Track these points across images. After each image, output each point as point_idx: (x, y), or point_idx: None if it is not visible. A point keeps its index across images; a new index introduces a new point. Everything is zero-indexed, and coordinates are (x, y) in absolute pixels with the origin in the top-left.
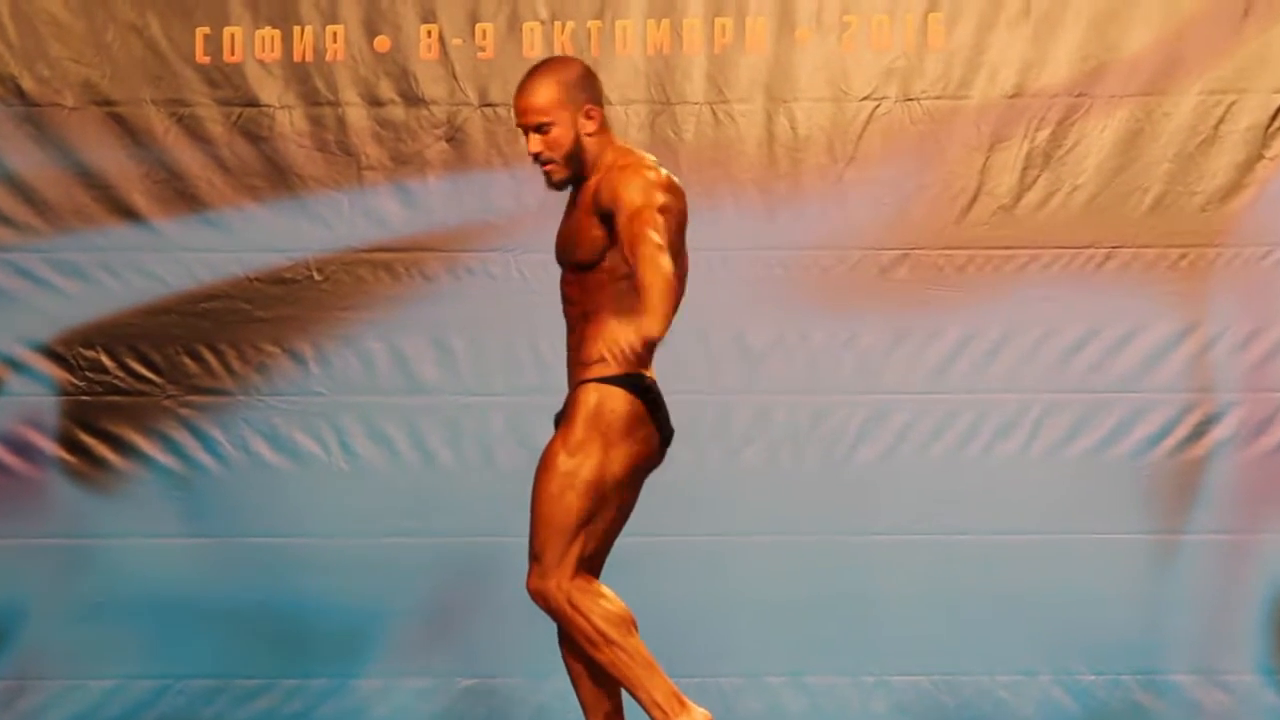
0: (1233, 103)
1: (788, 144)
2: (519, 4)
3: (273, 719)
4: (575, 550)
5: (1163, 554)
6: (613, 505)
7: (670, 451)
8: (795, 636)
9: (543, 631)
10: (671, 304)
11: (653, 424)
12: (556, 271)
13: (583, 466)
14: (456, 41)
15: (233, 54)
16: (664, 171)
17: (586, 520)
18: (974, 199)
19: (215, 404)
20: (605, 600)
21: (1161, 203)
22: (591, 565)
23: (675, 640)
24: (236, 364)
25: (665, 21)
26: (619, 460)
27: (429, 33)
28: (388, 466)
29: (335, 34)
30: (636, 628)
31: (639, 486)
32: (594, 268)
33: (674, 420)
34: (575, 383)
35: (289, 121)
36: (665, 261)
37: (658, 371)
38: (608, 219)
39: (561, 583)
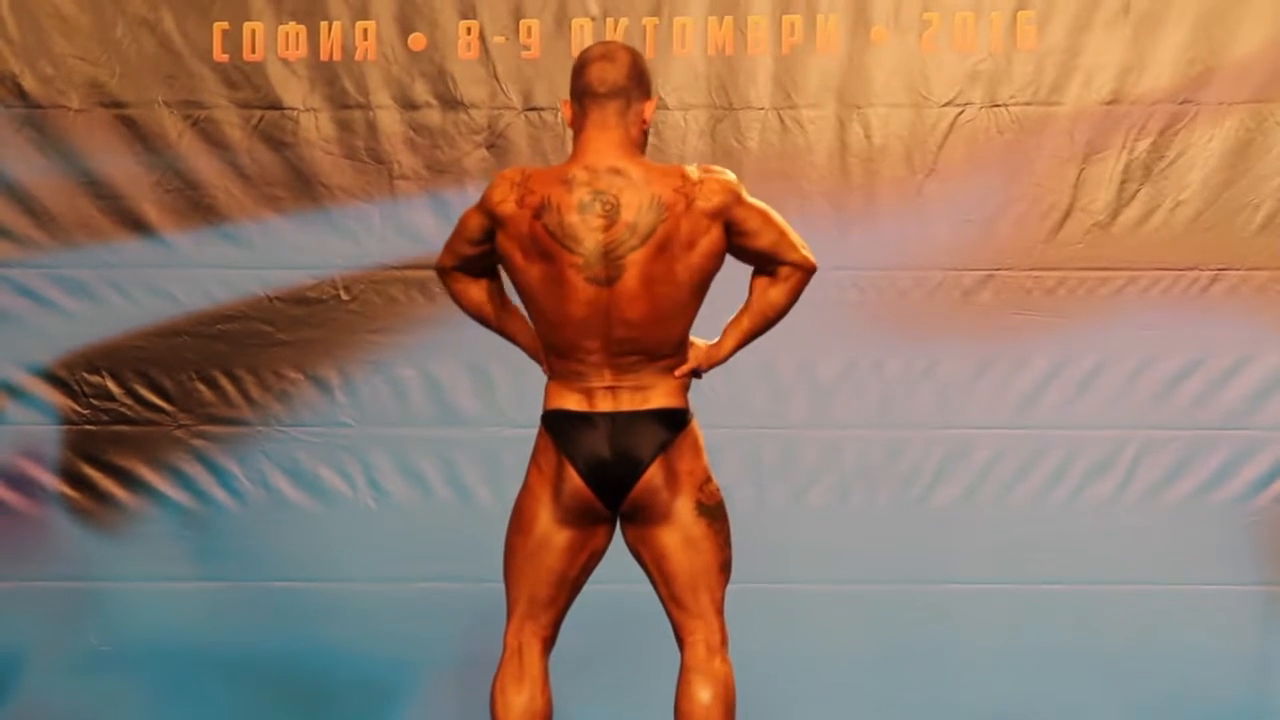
0: None
1: (862, 154)
2: None
3: None
4: None
5: (1273, 607)
6: None
7: (730, 490)
8: (866, 695)
9: (584, 686)
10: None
11: None
12: None
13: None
14: (499, 39)
15: (253, 52)
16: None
17: None
18: (1066, 215)
19: (232, 435)
20: None
21: (1274, 220)
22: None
23: None
24: (255, 391)
25: (728, 19)
26: None
27: (468, 30)
28: (420, 505)
29: (366, 30)
30: None
31: None
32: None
33: (736, 456)
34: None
35: (315, 126)
36: None
37: (720, 400)
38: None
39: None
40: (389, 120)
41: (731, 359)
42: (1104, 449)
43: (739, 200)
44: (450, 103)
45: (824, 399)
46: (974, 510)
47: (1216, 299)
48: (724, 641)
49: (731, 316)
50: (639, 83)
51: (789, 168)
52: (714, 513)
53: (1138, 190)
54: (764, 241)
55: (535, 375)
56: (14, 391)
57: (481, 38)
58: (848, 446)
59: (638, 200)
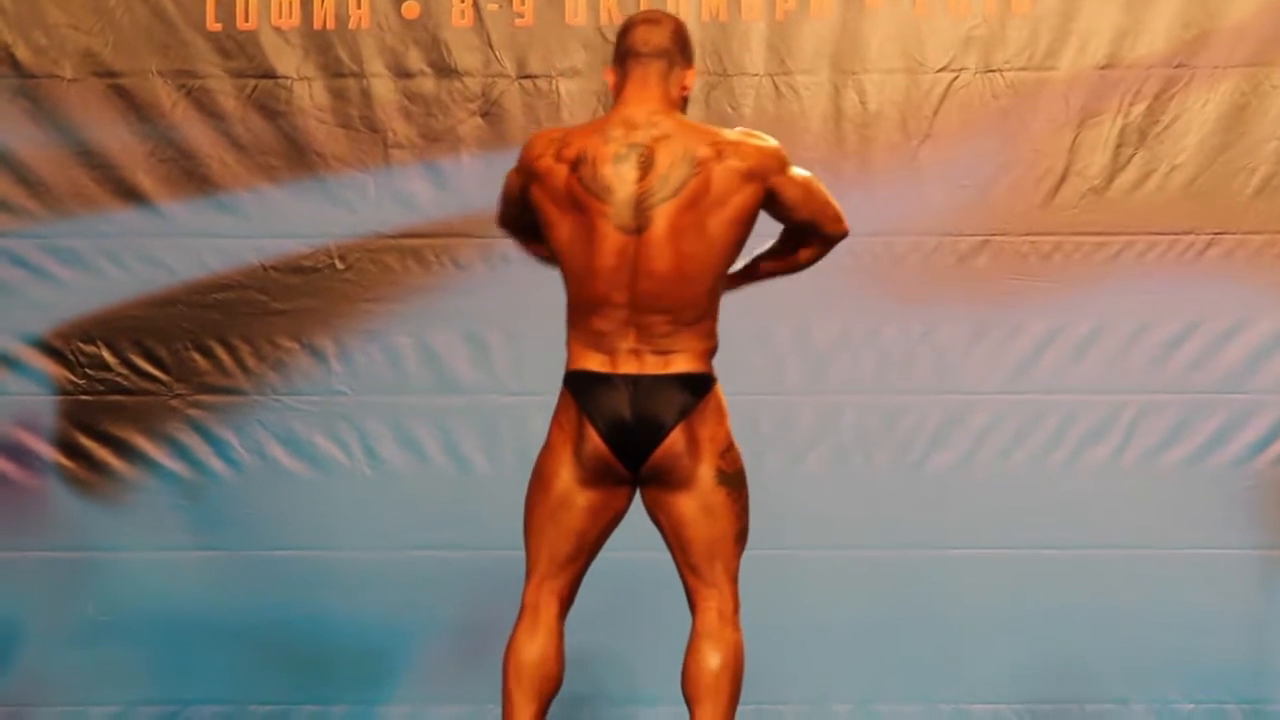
0: None
1: (856, 120)
2: None
3: None
4: None
5: (1271, 570)
6: None
7: None
8: (864, 660)
9: (583, 654)
10: None
11: None
12: None
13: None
14: (492, 7)
15: (247, 20)
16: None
17: None
18: (1062, 180)
19: (228, 404)
20: None
21: (1270, 184)
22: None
23: None
24: (251, 360)
25: None
26: None
27: None
28: (417, 473)
29: None
30: None
31: None
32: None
33: (732, 422)
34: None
35: (308, 94)
36: None
37: (716, 366)
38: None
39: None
40: (383, 88)
41: (728, 329)
42: (1101, 413)
43: (780, 170)
44: (444, 71)
45: (820, 365)
46: (971, 475)
47: (1212, 263)
48: (736, 610)
49: (758, 253)
50: (682, 49)
51: (783, 134)
52: (734, 480)
53: (1133, 155)
54: (803, 215)
55: (532, 343)
56: (9, 362)
57: (475, 5)
58: (845, 412)
59: (671, 153)
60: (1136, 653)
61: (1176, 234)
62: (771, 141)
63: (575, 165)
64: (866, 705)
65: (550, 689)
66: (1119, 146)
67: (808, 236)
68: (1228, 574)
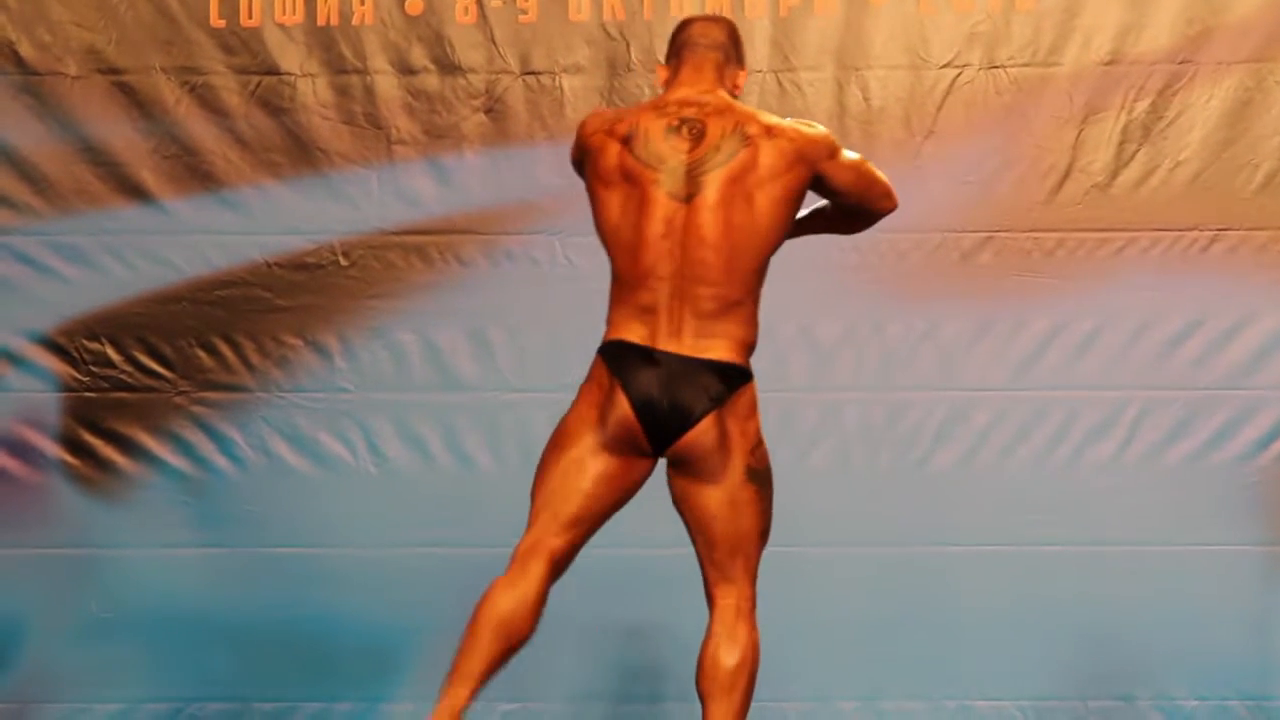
0: None
1: (860, 116)
2: None
3: None
4: None
5: (1274, 566)
6: None
7: None
8: (869, 657)
9: (589, 653)
10: None
11: None
12: (605, 256)
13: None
14: (496, 3)
15: (250, 17)
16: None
17: None
18: (1065, 176)
19: (232, 401)
20: None
21: (1274, 180)
22: None
23: None
24: (255, 357)
25: None
26: None
27: None
28: (421, 470)
29: None
30: None
31: None
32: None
33: None
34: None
35: (312, 91)
36: None
37: None
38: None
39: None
40: (386, 85)
41: None
42: (1104, 410)
43: (829, 156)
44: (448, 67)
45: (824, 361)
46: (974, 472)
47: (1216, 259)
48: (753, 607)
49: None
50: (737, 48)
51: None
52: (762, 477)
53: (1137, 151)
54: (852, 200)
55: (535, 340)
56: (14, 359)
57: (479, 2)
58: (848, 409)
59: (723, 126)
60: (1140, 649)
61: (1180, 230)
62: (820, 129)
63: (627, 140)
64: (871, 702)
65: (514, 644)
66: (1122, 143)
67: (858, 210)
68: (1231, 570)
